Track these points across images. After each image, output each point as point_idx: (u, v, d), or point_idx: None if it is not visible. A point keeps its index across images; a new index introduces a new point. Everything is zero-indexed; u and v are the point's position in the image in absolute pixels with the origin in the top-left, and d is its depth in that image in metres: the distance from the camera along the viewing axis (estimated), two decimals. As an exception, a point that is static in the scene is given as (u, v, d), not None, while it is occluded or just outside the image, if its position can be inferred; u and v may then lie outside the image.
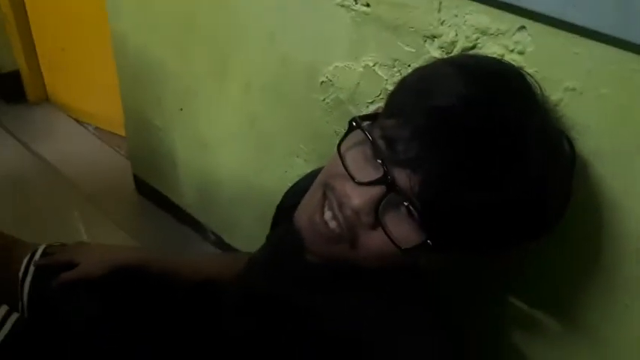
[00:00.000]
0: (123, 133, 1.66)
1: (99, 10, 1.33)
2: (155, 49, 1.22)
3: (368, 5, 0.75)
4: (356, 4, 0.76)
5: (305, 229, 0.55)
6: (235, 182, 1.24)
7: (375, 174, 0.50)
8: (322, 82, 0.87)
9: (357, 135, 0.53)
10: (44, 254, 0.84)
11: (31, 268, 0.81)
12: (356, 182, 0.51)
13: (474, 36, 0.64)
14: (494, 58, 0.60)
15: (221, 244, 1.40)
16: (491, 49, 0.63)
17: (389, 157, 0.49)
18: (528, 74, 0.54)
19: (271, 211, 0.82)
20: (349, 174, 0.51)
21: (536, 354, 0.76)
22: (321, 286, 0.60)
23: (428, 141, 0.47)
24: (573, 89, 0.58)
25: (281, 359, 0.59)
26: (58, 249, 0.85)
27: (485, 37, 0.63)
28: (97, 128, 1.85)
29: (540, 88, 0.53)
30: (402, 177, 0.48)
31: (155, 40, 1.20)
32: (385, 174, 0.49)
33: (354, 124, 0.53)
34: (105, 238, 1.40)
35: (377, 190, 0.49)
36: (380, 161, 0.49)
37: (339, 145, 0.53)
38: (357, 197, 0.50)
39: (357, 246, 0.53)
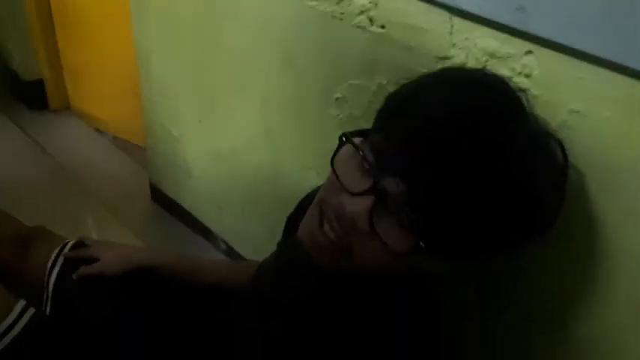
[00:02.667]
0: (139, 143, 1.71)
1: (123, 23, 1.39)
2: (178, 63, 1.26)
3: (383, 27, 0.78)
4: (372, 25, 0.80)
5: (306, 243, 0.58)
6: (248, 193, 1.27)
7: (367, 184, 0.52)
8: (337, 98, 0.91)
9: (349, 150, 0.56)
10: (74, 248, 0.87)
11: (60, 260, 0.84)
12: (350, 193, 0.53)
13: (484, 59, 0.67)
14: (479, 70, 0.62)
15: (232, 253, 1.42)
16: (499, 71, 0.66)
17: (378, 167, 0.52)
18: (525, 92, 0.57)
19: (282, 224, 0.84)
20: (343, 186, 0.54)
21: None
22: (324, 292, 0.63)
23: (412, 150, 0.50)
24: (577, 112, 0.61)
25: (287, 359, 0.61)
26: (88, 243, 0.88)
27: (494, 60, 0.67)
28: (114, 137, 1.89)
29: (527, 97, 0.56)
30: (391, 185, 0.51)
31: (179, 55, 1.25)
32: (375, 183, 0.52)
33: (344, 139, 0.56)
34: (119, 244, 1.43)
35: (370, 199, 0.52)
36: (370, 172, 0.52)
37: (332, 161, 0.56)
38: (352, 207, 0.53)
39: (356, 254, 0.55)
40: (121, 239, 1.46)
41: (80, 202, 1.60)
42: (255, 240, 1.32)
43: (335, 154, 0.56)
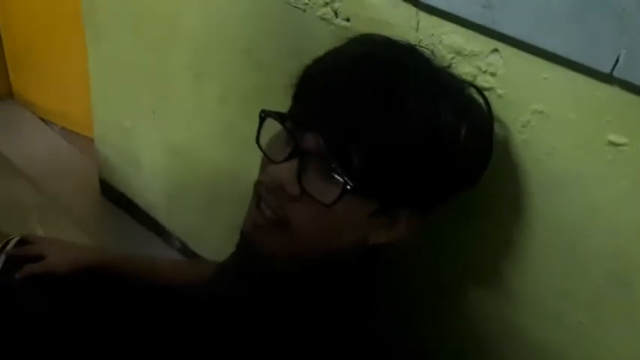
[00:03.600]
0: (89, 135, 1.63)
1: (71, 7, 1.31)
2: (132, 48, 1.20)
3: (348, 20, 0.76)
4: (336, 17, 0.78)
5: (248, 230, 0.59)
6: (206, 191, 1.22)
7: (289, 149, 0.54)
8: (299, 92, 0.88)
9: (273, 127, 0.57)
10: (18, 245, 0.83)
11: (1, 258, 0.80)
12: (276, 163, 0.55)
13: (450, 56, 0.66)
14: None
15: (186, 251, 1.37)
16: (464, 69, 0.65)
17: (295, 128, 0.55)
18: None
19: (241, 221, 0.81)
20: (269, 159, 0.56)
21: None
22: (278, 289, 0.63)
23: (318, 103, 0.54)
24: (541, 112, 0.60)
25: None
26: (33, 240, 0.84)
27: (459, 58, 0.66)
28: (62, 128, 1.80)
29: (434, 53, 0.62)
30: (309, 142, 0.53)
31: (132, 39, 1.19)
32: (296, 144, 0.54)
33: (262, 114, 0.57)
34: (66, 241, 1.36)
35: (295, 162, 0.54)
36: (291, 137, 0.54)
37: (257, 140, 0.58)
38: (280, 174, 0.54)
39: (294, 225, 0.55)
40: (68, 237, 1.39)
41: (25, 197, 1.51)
42: (212, 238, 1.28)
43: (258, 133, 0.58)
